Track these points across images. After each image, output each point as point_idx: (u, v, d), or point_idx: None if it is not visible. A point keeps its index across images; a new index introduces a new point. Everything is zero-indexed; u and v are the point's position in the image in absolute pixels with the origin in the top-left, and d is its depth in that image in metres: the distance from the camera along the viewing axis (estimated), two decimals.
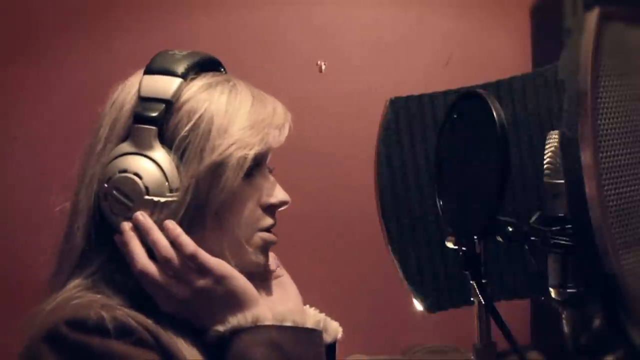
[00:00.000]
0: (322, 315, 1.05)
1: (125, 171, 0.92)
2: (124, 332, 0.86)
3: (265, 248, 1.01)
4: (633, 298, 0.87)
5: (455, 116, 1.14)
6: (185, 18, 2.08)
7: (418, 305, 1.49)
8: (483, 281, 1.07)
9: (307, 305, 1.06)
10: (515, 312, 1.72)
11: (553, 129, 1.08)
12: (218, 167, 0.93)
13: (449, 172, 1.17)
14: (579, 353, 1.07)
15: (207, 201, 0.93)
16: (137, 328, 0.86)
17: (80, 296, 0.91)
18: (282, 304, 0.99)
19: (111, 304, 0.89)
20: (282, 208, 1.02)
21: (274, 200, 1.00)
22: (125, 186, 0.92)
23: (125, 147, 0.93)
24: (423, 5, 2.10)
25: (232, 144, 0.93)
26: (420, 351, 1.89)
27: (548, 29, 1.95)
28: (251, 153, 0.95)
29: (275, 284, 1.04)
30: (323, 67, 2.00)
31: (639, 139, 0.93)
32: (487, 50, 2.07)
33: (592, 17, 0.90)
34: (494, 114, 1.00)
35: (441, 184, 1.18)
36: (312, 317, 1.03)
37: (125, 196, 0.92)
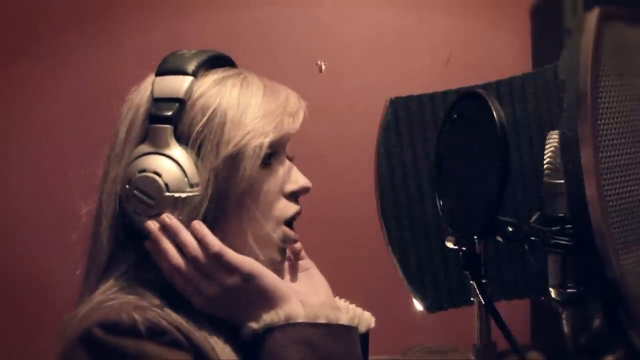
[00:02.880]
0: (353, 306, 1.06)
1: (144, 171, 0.93)
2: (156, 333, 0.87)
3: (285, 243, 1.01)
4: (633, 298, 0.87)
5: (455, 116, 1.14)
6: (185, 18, 2.08)
7: (418, 305, 1.49)
8: (483, 281, 1.07)
9: (337, 297, 1.07)
10: (515, 312, 1.72)
11: (553, 129, 1.08)
12: (235, 158, 0.94)
13: (449, 172, 1.17)
14: (579, 353, 1.07)
15: (228, 193, 0.94)
16: (169, 329, 0.88)
17: (113, 298, 0.92)
18: (312, 297, 1.00)
19: (144, 305, 0.90)
20: (304, 194, 1.02)
21: (295, 186, 1.01)
22: (146, 185, 0.93)
23: (144, 147, 0.95)
24: (423, 5, 2.10)
25: (246, 134, 0.94)
26: (420, 351, 1.89)
27: (548, 29, 1.96)
28: (266, 141, 0.95)
29: (303, 276, 1.05)
30: (323, 67, 2.00)
31: (639, 139, 0.93)
32: (487, 50, 2.07)
33: (592, 17, 0.90)
34: (494, 114, 1.00)
35: (441, 184, 1.18)
36: (345, 311, 1.04)
37: (146, 195, 0.93)
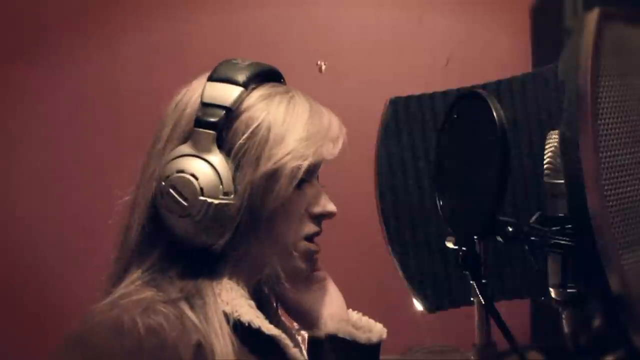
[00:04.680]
0: (366, 318, 1.11)
1: (182, 171, 0.95)
2: (153, 336, 0.89)
3: (309, 256, 1.05)
4: (633, 298, 0.87)
5: (455, 116, 1.14)
6: (185, 18, 2.08)
7: (418, 305, 1.49)
8: (483, 281, 1.07)
9: (350, 310, 1.11)
10: (515, 312, 1.72)
11: (553, 129, 1.08)
12: (272, 176, 0.97)
13: (449, 172, 1.17)
14: (579, 353, 1.07)
15: (261, 207, 0.97)
16: (167, 335, 0.89)
17: (134, 291, 0.95)
18: (326, 309, 1.06)
19: (156, 307, 0.92)
20: (328, 218, 1.07)
21: (321, 210, 1.06)
22: (182, 185, 0.95)
23: (185, 148, 0.97)
24: (423, 5, 2.10)
25: (287, 154, 0.97)
26: (420, 351, 1.89)
27: (548, 29, 1.95)
28: (305, 164, 0.99)
29: (318, 287, 1.09)
30: (323, 67, 2.00)
31: (639, 139, 0.93)
32: (487, 50, 2.07)
33: (592, 17, 0.90)
34: (494, 114, 1.00)
35: (441, 184, 1.18)
36: (358, 323, 1.09)
37: (180, 195, 0.95)
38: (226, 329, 0.95)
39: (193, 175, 0.95)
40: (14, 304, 2.09)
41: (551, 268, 1.06)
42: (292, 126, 0.99)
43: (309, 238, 1.05)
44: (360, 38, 2.10)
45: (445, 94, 1.45)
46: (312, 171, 1.03)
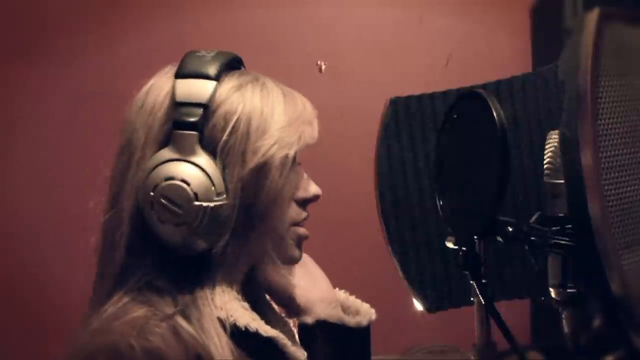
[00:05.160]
0: (353, 298, 1.11)
1: (172, 178, 0.91)
2: (154, 358, 0.87)
3: (299, 242, 1.03)
4: (633, 298, 0.87)
5: (455, 116, 1.14)
6: (185, 18, 2.08)
7: (418, 305, 1.49)
8: (483, 281, 1.07)
9: (337, 289, 1.11)
10: (515, 312, 1.72)
11: (553, 129, 1.08)
12: (262, 169, 0.94)
13: (449, 172, 1.17)
14: (579, 353, 1.07)
15: (255, 203, 0.95)
16: (166, 355, 0.87)
17: (125, 311, 0.91)
18: (313, 290, 1.05)
19: (150, 327, 0.89)
20: (314, 201, 1.04)
21: (308, 195, 1.03)
22: (173, 193, 0.91)
23: (168, 153, 0.92)
24: (423, 5, 2.10)
25: (273, 145, 0.95)
26: (420, 351, 1.89)
27: (548, 29, 1.95)
28: (292, 152, 0.96)
29: (301, 269, 1.08)
30: (323, 67, 2.00)
31: (639, 139, 0.93)
32: (487, 50, 2.07)
33: (592, 17, 0.90)
34: (494, 114, 1.00)
35: (441, 184, 1.18)
36: (345, 302, 1.09)
37: (173, 203, 0.91)
38: (223, 337, 0.93)
39: (184, 181, 0.90)
40: (14, 304, 2.09)
41: (551, 268, 1.06)
42: (271, 115, 0.96)
43: (297, 223, 1.03)
44: (360, 38, 2.10)
45: (445, 94, 1.44)
46: (295, 157, 1.00)
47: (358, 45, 2.10)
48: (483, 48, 2.07)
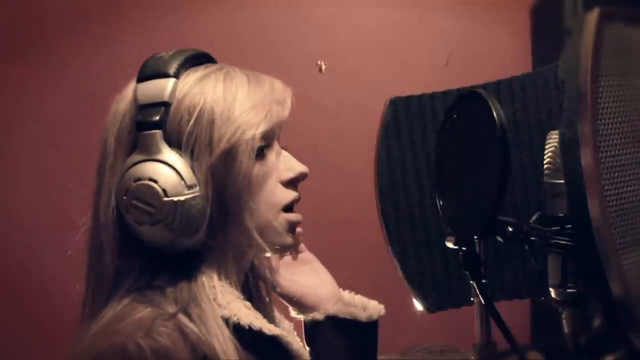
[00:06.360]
0: (359, 297, 1.11)
1: (140, 179, 0.92)
2: (163, 358, 0.87)
3: (291, 228, 1.02)
4: (633, 298, 0.87)
5: (455, 116, 1.14)
6: (185, 18, 2.08)
7: (418, 305, 1.49)
8: (483, 281, 1.07)
9: (341, 289, 1.11)
10: (515, 312, 1.72)
11: (553, 129, 1.08)
12: (229, 155, 0.94)
13: (448, 172, 1.17)
14: (579, 353, 1.07)
15: (226, 189, 0.94)
16: (174, 355, 0.87)
17: (126, 313, 0.91)
18: (320, 291, 1.06)
19: (157, 327, 0.89)
20: (302, 180, 1.03)
21: (292, 174, 1.01)
22: (143, 193, 0.92)
23: (136, 156, 0.93)
24: (423, 5, 2.10)
25: (237, 129, 0.94)
26: (420, 351, 1.89)
27: (548, 29, 1.96)
28: (258, 132, 0.95)
29: (308, 269, 1.09)
30: (323, 67, 2.00)
31: (639, 139, 0.93)
32: (487, 50, 2.07)
33: (592, 17, 0.90)
34: (494, 114, 1.00)
35: (441, 184, 1.18)
36: (352, 302, 1.09)
37: (145, 203, 0.92)
38: (228, 335, 0.93)
39: (151, 179, 0.91)
40: (13, 304, 2.09)
41: (551, 268, 1.06)
42: (234, 100, 0.95)
43: (289, 208, 1.01)
44: (360, 38, 2.10)
45: (445, 94, 1.45)
46: (270, 137, 0.99)
47: (358, 45, 2.10)
48: (483, 48, 2.08)
